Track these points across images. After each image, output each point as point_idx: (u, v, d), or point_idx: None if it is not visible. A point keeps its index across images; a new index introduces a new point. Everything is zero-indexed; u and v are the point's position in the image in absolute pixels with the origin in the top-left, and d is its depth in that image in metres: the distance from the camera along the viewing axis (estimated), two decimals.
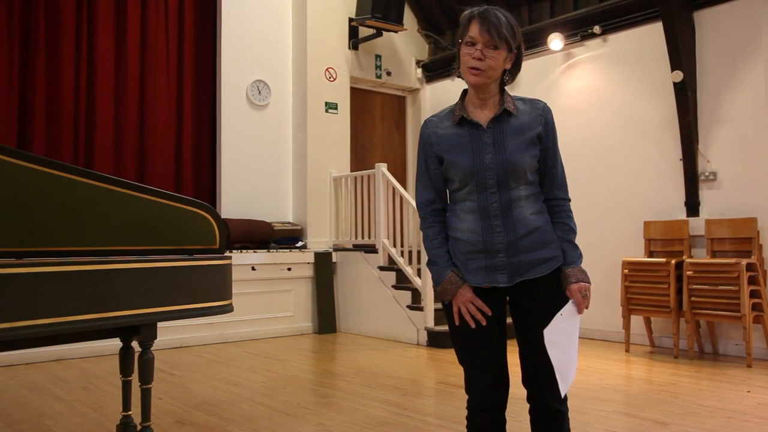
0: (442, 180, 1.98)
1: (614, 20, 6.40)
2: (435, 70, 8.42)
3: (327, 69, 7.52)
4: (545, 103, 2.00)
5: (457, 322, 1.94)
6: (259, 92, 7.33)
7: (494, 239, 1.88)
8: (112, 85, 6.60)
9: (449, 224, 1.98)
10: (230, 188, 7.08)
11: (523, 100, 2.00)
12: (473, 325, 1.91)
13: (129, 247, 2.72)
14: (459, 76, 2.00)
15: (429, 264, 2.01)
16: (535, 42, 7.06)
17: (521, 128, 1.92)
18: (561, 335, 1.86)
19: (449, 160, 1.93)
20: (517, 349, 2.01)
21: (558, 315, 1.87)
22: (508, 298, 1.98)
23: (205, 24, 7.26)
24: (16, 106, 6.09)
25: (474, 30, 1.87)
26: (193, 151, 7.12)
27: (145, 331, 2.65)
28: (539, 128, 1.94)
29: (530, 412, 2.03)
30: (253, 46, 7.30)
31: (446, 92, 8.26)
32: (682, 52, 5.64)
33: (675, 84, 5.70)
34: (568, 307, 1.89)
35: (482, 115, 1.95)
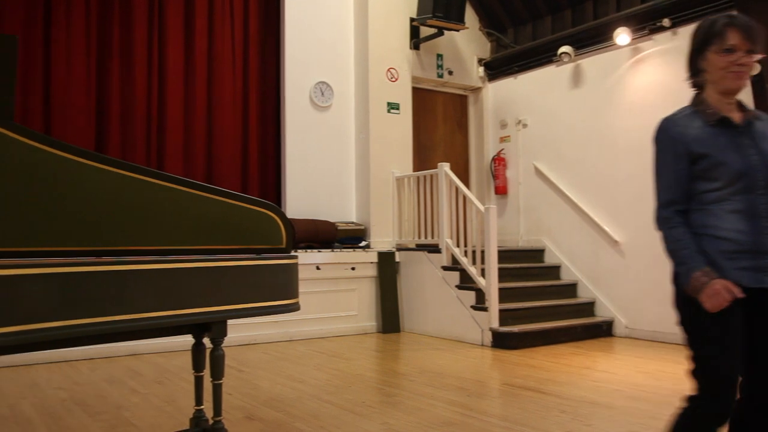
0: (690, 179, 1.99)
1: (685, 12, 6.17)
2: (497, 68, 8.32)
3: (389, 69, 7.54)
4: None
5: (712, 307, 1.88)
6: (322, 94, 7.41)
7: (765, 240, 1.91)
8: (182, 91, 6.81)
9: (701, 222, 1.97)
10: (295, 188, 7.19)
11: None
12: (727, 303, 1.87)
13: (200, 246, 2.79)
14: (695, 84, 2.08)
15: (678, 265, 1.99)
16: (601, 37, 6.88)
17: (766, 132, 2.02)
18: None
19: (716, 159, 1.94)
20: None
21: None
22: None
23: (269, 29, 7.39)
24: (93, 113, 6.36)
25: (735, 38, 1.96)
26: (259, 153, 7.27)
27: (215, 328, 2.71)
28: None
29: (743, 419, 1.99)
30: (316, 48, 7.39)
31: (509, 90, 8.15)
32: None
33: (751, 77, 5.44)
34: None
35: (735, 117, 2.02)
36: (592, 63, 7.06)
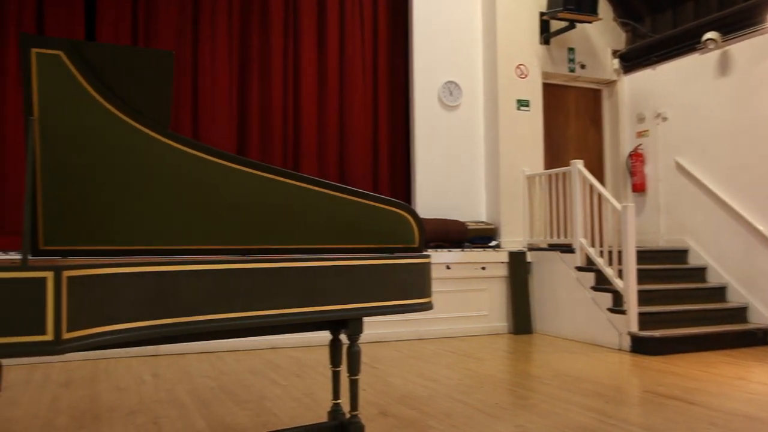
0: None
1: None
2: (633, 59, 7.90)
3: (518, 66, 7.39)
4: None
5: None
6: (451, 93, 7.39)
7: None
8: (315, 95, 7.08)
9: None
10: (424, 188, 7.24)
11: None
12: None
13: (336, 245, 2.88)
14: None
15: None
16: (752, 20, 6.34)
17: None
18: None
19: None
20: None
21: None
22: None
23: (398, 31, 7.49)
24: (235, 117, 6.76)
25: None
26: (389, 153, 7.39)
27: (352, 325, 2.78)
28: None
29: None
30: (444, 48, 7.39)
31: (646, 82, 7.71)
32: None
33: None
34: None
35: None
36: (742, 49, 6.51)
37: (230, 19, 6.74)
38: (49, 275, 1.88)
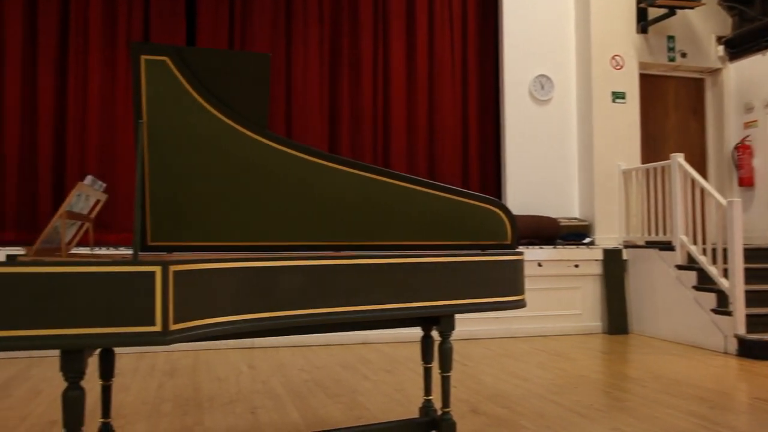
0: None
1: None
2: (740, 45, 7.43)
3: (613, 57, 7.13)
4: None
5: None
6: (542, 87, 7.23)
7: None
8: (404, 93, 7.11)
9: None
10: (515, 184, 7.12)
11: None
12: None
13: (428, 242, 2.88)
14: None
15: None
16: None
17: None
18: None
19: None
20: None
21: None
22: None
23: (487, 26, 7.40)
24: (326, 118, 6.90)
25: None
26: (479, 150, 7.32)
27: (444, 321, 2.78)
28: None
29: None
30: (535, 41, 7.24)
31: (755, 69, 7.25)
32: None
33: None
34: None
35: None
36: None
37: (321, 23, 6.88)
38: (157, 270, 1.98)
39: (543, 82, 7.24)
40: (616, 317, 6.59)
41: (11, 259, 2.24)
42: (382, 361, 5.14)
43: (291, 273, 2.36)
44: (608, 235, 6.93)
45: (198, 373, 4.70)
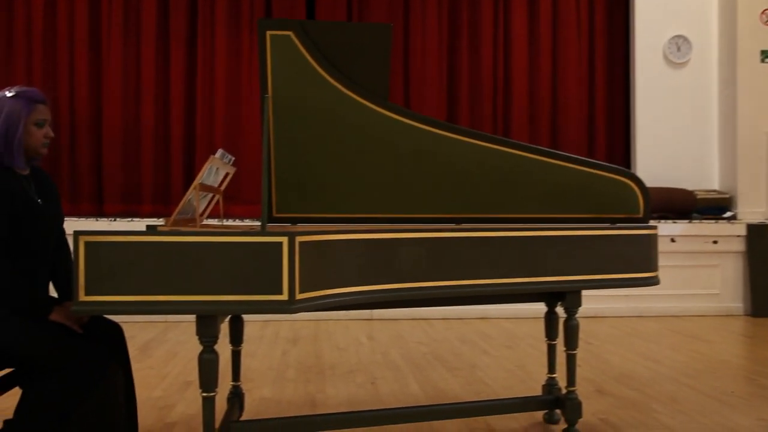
0: None
1: None
2: None
3: (763, 11, 6.53)
4: None
5: None
6: (678, 49, 6.77)
7: None
8: (526, 61, 6.90)
9: None
10: (646, 154, 6.76)
11: None
12: None
13: (554, 215, 2.81)
14: None
15: None
16: None
17: None
18: None
19: None
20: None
21: None
22: None
23: None
24: (445, 88, 6.85)
25: None
26: (606, 117, 7.01)
27: (570, 297, 2.71)
28: None
29: None
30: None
31: None
32: None
33: None
34: None
35: None
36: None
37: None
38: (284, 240, 2.06)
39: (679, 44, 6.76)
40: (763, 298, 6.12)
41: (151, 229, 2.42)
42: (502, 336, 5.10)
43: (412, 245, 2.38)
44: (753, 209, 6.42)
45: (319, 342, 4.89)
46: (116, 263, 1.98)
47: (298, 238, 2.09)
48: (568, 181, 2.76)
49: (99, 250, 1.98)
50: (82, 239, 1.97)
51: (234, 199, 6.16)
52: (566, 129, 6.93)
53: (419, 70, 6.77)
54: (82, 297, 1.97)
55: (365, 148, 2.73)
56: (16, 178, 2.23)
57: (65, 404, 2.11)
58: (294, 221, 2.89)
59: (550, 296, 2.87)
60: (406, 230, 2.40)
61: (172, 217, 2.27)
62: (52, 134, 2.32)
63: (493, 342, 4.88)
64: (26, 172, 2.30)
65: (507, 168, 2.77)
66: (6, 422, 2.21)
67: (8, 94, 2.23)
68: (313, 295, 2.16)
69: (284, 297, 2.06)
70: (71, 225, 2.39)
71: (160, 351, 4.54)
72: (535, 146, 2.80)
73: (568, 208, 2.79)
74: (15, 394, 2.24)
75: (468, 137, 2.76)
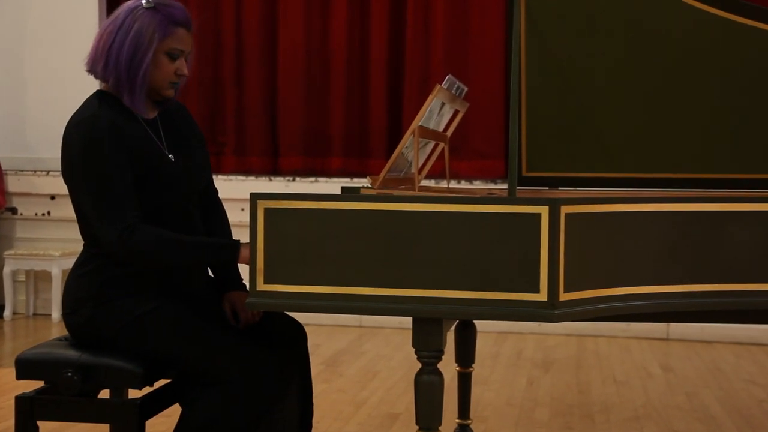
0: None
1: None
2: None
3: None
4: None
5: None
6: None
7: None
8: None
9: None
10: None
11: None
12: None
13: None
14: None
15: None
16: None
17: None
18: None
19: None
20: None
21: None
22: None
23: None
24: None
25: None
26: None
27: None
28: None
29: None
30: None
31: None
32: None
33: None
34: None
35: None
36: None
37: None
38: (543, 211, 2.01)
39: None
40: None
41: (350, 192, 2.53)
42: None
43: (747, 224, 2.23)
44: None
45: (584, 369, 4.82)
46: (308, 240, 2.06)
47: (564, 208, 2.03)
48: None
49: (286, 220, 2.07)
50: (262, 205, 2.07)
51: (456, 151, 6.20)
52: None
53: None
54: (261, 286, 2.08)
55: (669, 71, 2.62)
56: (136, 123, 2.30)
57: (228, 427, 2.24)
58: (551, 184, 2.87)
59: None
60: (739, 199, 2.26)
61: (381, 175, 2.33)
62: (185, 71, 2.35)
63: None
64: (153, 114, 2.39)
65: None
66: None
67: (144, 2, 2.27)
68: (581, 297, 2.09)
69: (542, 297, 2.01)
70: (236, 186, 2.54)
71: (354, 368, 4.77)
72: None
73: None
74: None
75: None
